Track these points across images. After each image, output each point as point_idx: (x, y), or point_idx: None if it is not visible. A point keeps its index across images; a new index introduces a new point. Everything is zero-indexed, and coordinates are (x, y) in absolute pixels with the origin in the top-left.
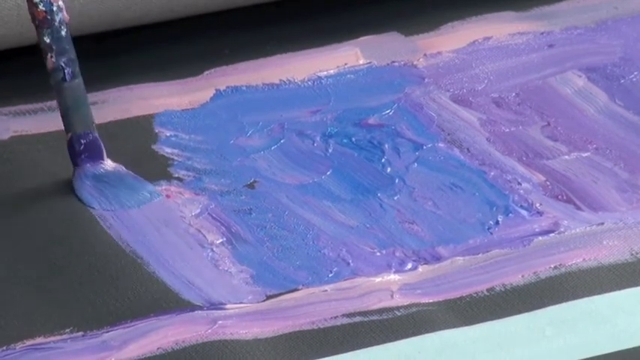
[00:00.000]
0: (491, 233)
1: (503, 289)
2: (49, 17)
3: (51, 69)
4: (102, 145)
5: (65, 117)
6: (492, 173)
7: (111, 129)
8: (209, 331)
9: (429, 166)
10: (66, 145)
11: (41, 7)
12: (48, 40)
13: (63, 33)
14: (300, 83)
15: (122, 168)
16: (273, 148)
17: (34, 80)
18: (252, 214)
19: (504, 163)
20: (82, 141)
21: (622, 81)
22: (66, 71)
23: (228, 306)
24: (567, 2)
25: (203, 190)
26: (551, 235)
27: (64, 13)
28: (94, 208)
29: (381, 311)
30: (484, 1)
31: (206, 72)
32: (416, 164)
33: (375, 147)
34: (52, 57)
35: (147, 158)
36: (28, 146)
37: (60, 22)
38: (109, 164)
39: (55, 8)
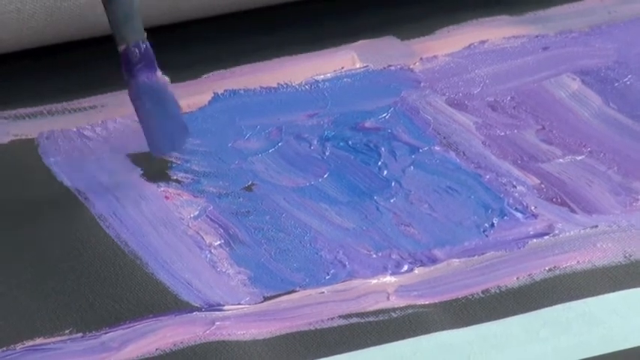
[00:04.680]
0: (487, 236)
1: (498, 291)
2: None
3: None
4: (154, 54)
5: (117, 29)
6: (488, 176)
7: (110, 129)
8: (207, 332)
9: (425, 169)
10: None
11: None
12: None
13: None
14: (297, 87)
15: (169, 86)
16: (270, 151)
17: (33, 84)
18: (249, 216)
19: (499, 166)
20: (136, 51)
21: (616, 84)
22: None
23: (226, 307)
24: (561, 6)
25: (201, 192)
26: (546, 237)
27: None
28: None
29: (377, 313)
30: (479, 6)
31: (204, 76)
32: (412, 167)
33: (372, 150)
34: None
35: (146, 160)
36: (28, 150)
37: None
38: (160, 76)
39: None
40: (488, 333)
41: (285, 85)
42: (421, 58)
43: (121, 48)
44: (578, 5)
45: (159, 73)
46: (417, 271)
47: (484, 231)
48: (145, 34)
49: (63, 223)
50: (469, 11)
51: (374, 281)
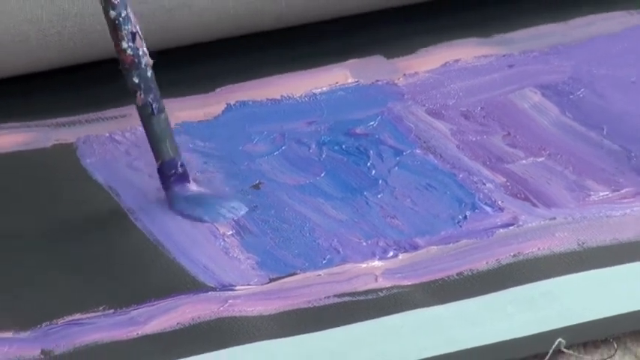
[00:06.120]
0: (460, 226)
1: (470, 274)
2: (136, 60)
3: (140, 105)
4: (187, 169)
5: (154, 146)
6: (461, 175)
7: (138, 135)
8: (221, 308)
9: (408, 169)
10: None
11: (129, 52)
12: (136, 81)
13: (148, 74)
14: (298, 99)
15: (205, 190)
16: (275, 153)
17: (71, 96)
18: (257, 210)
19: (471, 166)
20: (170, 167)
21: (571, 97)
22: (153, 106)
23: (237, 287)
24: (524, 30)
25: (216, 190)
26: (511, 228)
27: (148, 57)
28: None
29: (366, 292)
30: (454, 29)
31: (218, 89)
32: (396, 168)
33: (362, 153)
34: (140, 95)
35: None
36: (67, 153)
37: (145, 64)
38: (193, 187)
39: (140, 52)
40: (462, 309)
41: (287, 97)
42: (404, 74)
43: (158, 164)
44: (539, 28)
45: (191, 184)
46: (400, 256)
47: (458, 222)
48: (179, 151)
49: (98, 215)
50: (445, 34)
51: (364, 265)
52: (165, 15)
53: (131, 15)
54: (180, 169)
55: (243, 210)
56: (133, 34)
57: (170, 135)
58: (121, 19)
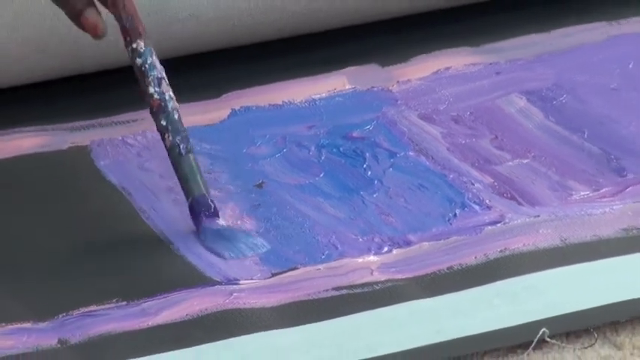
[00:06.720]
0: (451, 223)
1: (460, 268)
2: (162, 104)
3: (169, 147)
4: (216, 206)
5: (184, 185)
6: (451, 176)
7: (149, 138)
8: (226, 301)
9: (402, 171)
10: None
11: (156, 96)
12: (164, 123)
13: (176, 116)
14: (298, 104)
15: (233, 226)
16: (277, 155)
17: (86, 101)
18: (260, 208)
19: (461, 167)
20: (200, 204)
21: (554, 102)
22: (181, 147)
23: (241, 282)
24: (511, 39)
25: (221, 189)
26: (498, 225)
27: (174, 101)
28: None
29: (363, 285)
30: (445, 39)
31: (223, 95)
32: (391, 169)
33: (358, 155)
34: (168, 136)
35: None
36: (82, 155)
37: (172, 108)
38: (222, 222)
39: (167, 97)
40: (451, 301)
41: (288, 103)
42: (398, 81)
43: (189, 201)
44: (525, 38)
45: (220, 220)
46: (395, 252)
47: (448, 220)
48: (209, 189)
49: (111, 214)
50: (436, 43)
51: (360, 260)
52: (175, 25)
53: (157, 62)
54: (211, 205)
55: (265, 248)
56: (159, 80)
57: (198, 173)
58: (147, 65)
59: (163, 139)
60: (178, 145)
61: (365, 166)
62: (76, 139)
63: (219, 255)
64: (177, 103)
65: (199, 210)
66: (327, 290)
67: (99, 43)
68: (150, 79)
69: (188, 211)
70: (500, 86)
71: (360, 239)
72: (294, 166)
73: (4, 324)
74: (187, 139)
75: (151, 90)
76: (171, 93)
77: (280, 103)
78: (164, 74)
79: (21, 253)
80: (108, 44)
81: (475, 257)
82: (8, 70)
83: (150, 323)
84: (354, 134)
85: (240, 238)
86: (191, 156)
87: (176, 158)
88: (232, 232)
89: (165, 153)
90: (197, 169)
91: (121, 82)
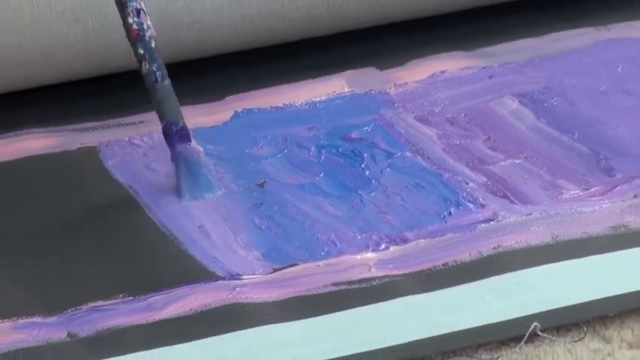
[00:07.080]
0: (446, 221)
1: (454, 264)
2: (141, 33)
3: (145, 73)
4: (188, 129)
5: (159, 109)
6: (446, 175)
7: (155, 139)
8: (229, 296)
9: (399, 170)
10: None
11: (135, 26)
12: (142, 52)
13: (152, 45)
14: (299, 106)
15: (200, 160)
16: (278, 156)
17: (95, 103)
18: (262, 207)
19: (456, 167)
20: (173, 127)
21: (545, 104)
22: (157, 74)
23: (243, 277)
24: (504, 44)
25: (225, 188)
26: (491, 223)
27: (152, 30)
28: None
29: (361, 281)
30: (441, 43)
31: (227, 98)
32: (388, 169)
33: (357, 155)
34: (145, 64)
35: None
36: (91, 155)
37: (149, 36)
38: (194, 146)
39: (145, 26)
40: (446, 297)
41: (289, 105)
42: (395, 84)
43: (162, 124)
44: (517, 43)
45: (193, 144)
46: (392, 249)
47: (444, 218)
48: (181, 113)
49: (118, 212)
50: (432, 47)
51: (358, 257)
52: (180, 31)
53: None
54: (181, 128)
55: (220, 191)
56: (138, 10)
57: (173, 100)
58: None
59: (140, 67)
60: (155, 73)
61: (363, 166)
62: (85, 140)
63: (179, 194)
64: (154, 31)
65: (172, 133)
66: (326, 286)
67: (106, 49)
68: (129, 10)
69: (191, 208)
70: (493, 89)
71: (359, 237)
72: (294, 166)
73: (15, 318)
74: (163, 67)
75: (130, 20)
76: (149, 23)
77: (281, 105)
78: (143, 5)
79: (31, 250)
80: (114, 49)
81: (469, 254)
82: (20, 74)
83: (156, 317)
84: (353, 135)
85: (202, 177)
86: (166, 82)
87: (152, 85)
88: (198, 168)
89: (167, 154)
90: (172, 96)
91: (128, 86)
